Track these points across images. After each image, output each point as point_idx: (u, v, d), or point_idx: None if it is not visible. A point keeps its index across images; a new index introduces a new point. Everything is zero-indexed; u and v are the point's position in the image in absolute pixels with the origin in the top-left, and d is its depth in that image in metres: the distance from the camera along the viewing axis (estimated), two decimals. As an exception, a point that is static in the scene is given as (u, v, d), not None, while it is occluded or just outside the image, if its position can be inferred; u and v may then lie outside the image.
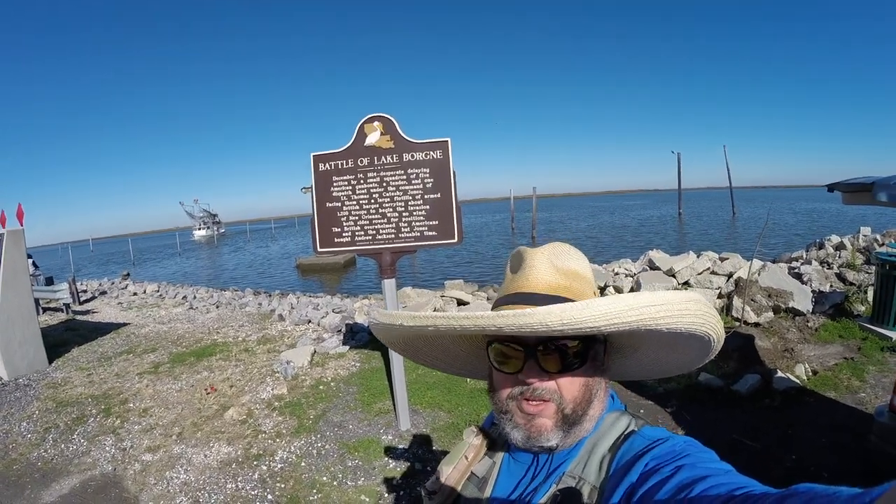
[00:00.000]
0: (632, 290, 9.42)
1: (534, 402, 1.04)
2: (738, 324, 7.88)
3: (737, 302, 8.26)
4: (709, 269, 9.53)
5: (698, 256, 9.97)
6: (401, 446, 5.47)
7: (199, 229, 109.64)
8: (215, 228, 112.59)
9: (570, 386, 1.04)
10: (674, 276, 9.60)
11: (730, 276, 9.19)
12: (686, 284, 9.38)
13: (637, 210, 76.00)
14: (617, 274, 10.59)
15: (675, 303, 0.88)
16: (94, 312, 16.40)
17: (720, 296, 8.95)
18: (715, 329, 0.97)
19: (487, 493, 1.16)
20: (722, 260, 9.70)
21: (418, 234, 5.28)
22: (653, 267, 10.19)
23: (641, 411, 5.77)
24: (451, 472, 1.22)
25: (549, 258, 1.11)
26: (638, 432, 1.04)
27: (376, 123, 5.25)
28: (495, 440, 1.26)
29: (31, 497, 5.16)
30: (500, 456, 1.22)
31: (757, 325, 7.83)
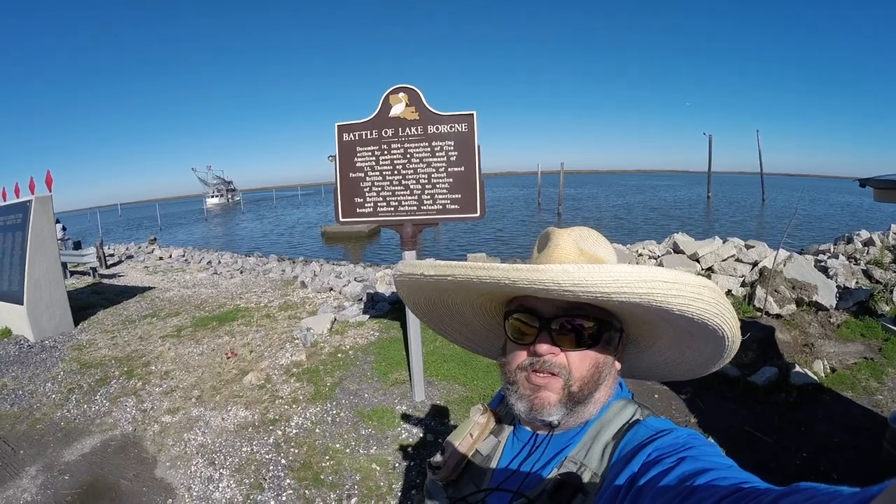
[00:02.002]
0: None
1: (542, 375, 1.05)
2: (759, 314, 7.78)
3: (760, 292, 8.14)
4: (733, 255, 9.38)
5: (724, 242, 9.81)
6: (414, 417, 5.52)
7: (213, 197, 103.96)
8: (229, 196, 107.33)
9: (579, 363, 1.06)
10: (697, 260, 9.50)
11: (754, 264, 9.04)
12: (710, 270, 9.27)
13: (665, 191, 75.00)
14: (640, 255, 10.50)
15: (688, 284, 0.87)
16: (120, 276, 16.66)
17: (743, 284, 8.83)
18: (728, 324, 0.96)
19: (490, 470, 1.18)
20: (748, 247, 9.52)
21: (441, 206, 5.27)
22: (677, 250, 10.06)
23: (656, 396, 5.76)
24: (455, 449, 1.24)
25: (575, 240, 1.12)
26: (642, 422, 1.04)
27: (401, 94, 5.22)
28: (501, 419, 1.28)
29: (53, 455, 5.27)
30: (505, 435, 1.23)
31: (779, 316, 7.71)
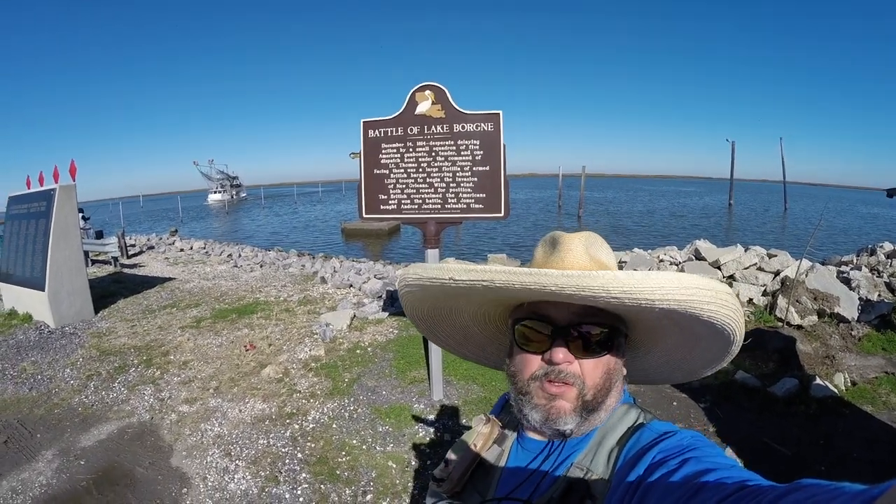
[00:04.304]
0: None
1: (557, 384, 1.05)
2: (780, 324, 7.69)
3: (781, 302, 8.05)
4: (755, 264, 9.28)
5: (746, 250, 9.71)
6: (432, 416, 5.52)
7: (215, 193, 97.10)
8: (233, 192, 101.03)
9: (593, 372, 1.06)
10: (719, 268, 9.41)
11: (776, 273, 8.94)
12: (731, 278, 9.19)
13: (687, 197, 74.69)
14: (662, 261, 10.42)
15: (719, 291, 0.89)
16: (141, 266, 16.82)
17: (765, 293, 8.73)
18: (741, 331, 0.99)
19: (495, 481, 1.17)
20: (770, 256, 9.43)
21: (465, 205, 5.25)
22: (699, 257, 9.98)
23: (675, 404, 5.70)
24: (459, 460, 1.23)
25: (584, 245, 1.10)
26: (646, 425, 1.04)
27: (427, 92, 5.21)
28: (504, 428, 1.26)
29: (70, 440, 5.33)
30: (508, 444, 1.22)
31: (800, 327, 7.60)
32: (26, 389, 6.56)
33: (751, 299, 8.59)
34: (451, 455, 1.25)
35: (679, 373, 1.26)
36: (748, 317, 8.07)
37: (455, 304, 1.22)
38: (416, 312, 1.28)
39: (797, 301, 7.91)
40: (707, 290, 0.87)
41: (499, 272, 0.91)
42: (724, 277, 9.24)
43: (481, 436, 1.25)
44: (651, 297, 0.85)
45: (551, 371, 1.04)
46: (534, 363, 1.08)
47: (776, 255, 9.37)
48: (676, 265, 10.10)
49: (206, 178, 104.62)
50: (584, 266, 1.06)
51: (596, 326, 1.04)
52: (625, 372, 1.15)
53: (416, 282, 1.10)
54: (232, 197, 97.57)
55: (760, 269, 9.16)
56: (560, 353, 1.03)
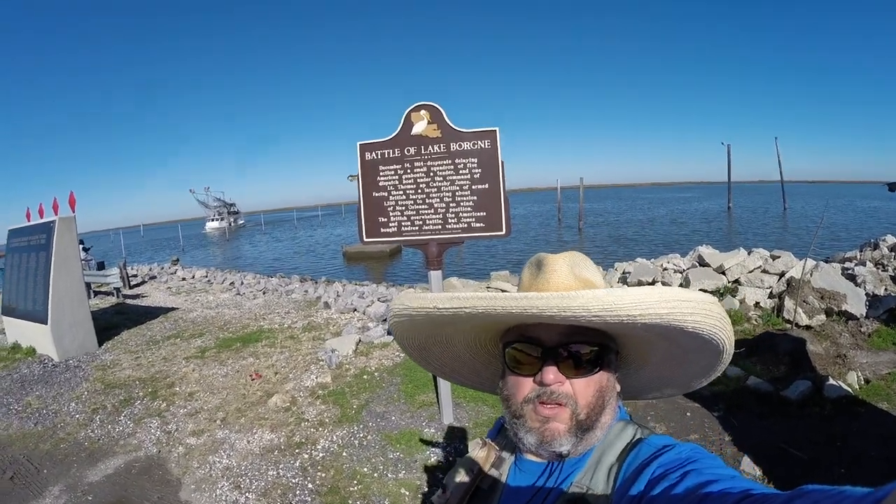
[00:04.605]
0: (680, 286, 9.24)
1: (549, 406, 1.05)
2: (789, 326, 7.64)
3: (788, 303, 8.01)
4: (760, 267, 9.25)
5: (749, 253, 9.69)
6: (443, 440, 5.45)
7: (212, 220, 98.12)
8: (231, 220, 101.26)
9: (584, 391, 1.06)
10: (724, 273, 9.38)
11: (781, 275, 8.90)
12: (736, 283, 9.15)
13: (686, 203, 74.89)
14: (665, 269, 10.37)
15: (701, 301, 0.90)
16: (143, 297, 16.83)
17: (771, 295, 8.69)
18: (730, 339, 0.99)
19: None
20: (773, 258, 9.39)
21: (465, 225, 5.21)
22: (702, 263, 9.94)
23: (688, 414, 5.64)
24: (457, 486, 1.23)
25: (569, 265, 1.13)
26: (644, 440, 1.04)
27: (423, 112, 5.18)
28: (502, 451, 1.26)
29: (77, 475, 5.29)
30: (506, 467, 1.22)
31: (808, 327, 7.55)
32: (32, 424, 6.55)
33: (757, 303, 8.55)
34: (448, 481, 1.25)
35: (674, 386, 1.27)
36: (756, 321, 8.03)
37: (445, 332, 1.22)
38: (407, 342, 1.28)
39: (804, 301, 7.86)
40: (688, 301, 0.88)
41: (481, 298, 0.94)
42: (729, 282, 9.22)
43: (478, 460, 1.25)
44: (632, 313, 0.85)
45: (543, 393, 1.05)
46: (526, 386, 1.08)
47: (780, 257, 9.34)
48: (680, 272, 10.05)
49: (203, 206, 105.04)
50: (570, 286, 1.09)
51: (585, 345, 1.05)
52: (618, 388, 1.16)
53: (403, 312, 1.09)
54: (230, 224, 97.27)
55: (765, 271, 9.13)
56: (550, 374, 1.03)
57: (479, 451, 1.27)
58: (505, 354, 1.13)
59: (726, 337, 0.97)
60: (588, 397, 1.06)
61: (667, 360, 1.15)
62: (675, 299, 0.87)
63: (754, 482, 0.78)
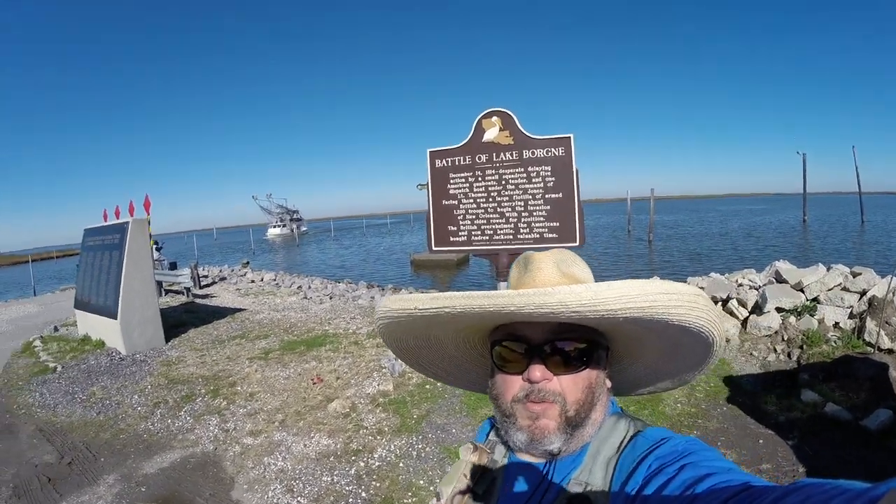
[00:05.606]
0: (756, 304, 8.85)
1: (538, 403, 1.04)
2: (871, 349, 7.20)
3: (870, 324, 7.53)
4: (840, 284, 8.69)
5: (828, 270, 9.17)
6: (504, 454, 5.30)
7: (274, 227, 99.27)
8: (294, 226, 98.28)
9: (573, 387, 1.05)
10: (802, 290, 8.89)
11: (863, 293, 8.37)
12: (815, 301, 8.67)
13: (759, 215, 72.80)
14: (741, 285, 9.95)
15: (685, 293, 0.89)
16: (212, 297, 17.28)
17: (851, 315, 8.19)
18: (718, 331, 0.98)
19: None
20: (854, 275, 8.83)
21: (538, 235, 5.08)
22: (779, 279, 9.47)
23: (761, 441, 5.34)
24: (451, 493, 1.17)
25: (555, 263, 1.12)
26: (641, 433, 1.04)
27: (495, 118, 5.06)
28: (493, 454, 1.22)
29: (133, 466, 5.40)
30: (500, 470, 1.18)
31: (891, 351, 7.10)
32: (94, 413, 6.75)
33: (837, 323, 8.10)
34: (441, 489, 1.19)
35: (667, 380, 1.25)
36: (835, 342, 7.60)
37: (433, 334, 1.21)
38: (395, 344, 1.27)
39: (887, 322, 7.40)
40: (671, 294, 0.88)
41: (458, 297, 0.94)
42: (807, 300, 8.76)
43: (470, 465, 1.21)
44: (612, 307, 0.85)
45: (532, 391, 1.04)
46: (515, 384, 1.07)
47: (860, 274, 8.80)
48: (756, 289, 9.61)
49: (265, 213, 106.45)
50: (556, 282, 1.08)
51: (571, 342, 1.04)
52: (609, 384, 1.16)
53: (386, 315, 1.09)
54: (292, 231, 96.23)
55: (845, 289, 8.61)
56: (537, 371, 1.03)
57: (469, 456, 1.21)
58: (493, 353, 1.12)
59: (715, 328, 0.96)
60: (577, 394, 1.05)
61: (658, 355, 1.15)
62: (657, 292, 0.86)
63: (752, 475, 0.77)
